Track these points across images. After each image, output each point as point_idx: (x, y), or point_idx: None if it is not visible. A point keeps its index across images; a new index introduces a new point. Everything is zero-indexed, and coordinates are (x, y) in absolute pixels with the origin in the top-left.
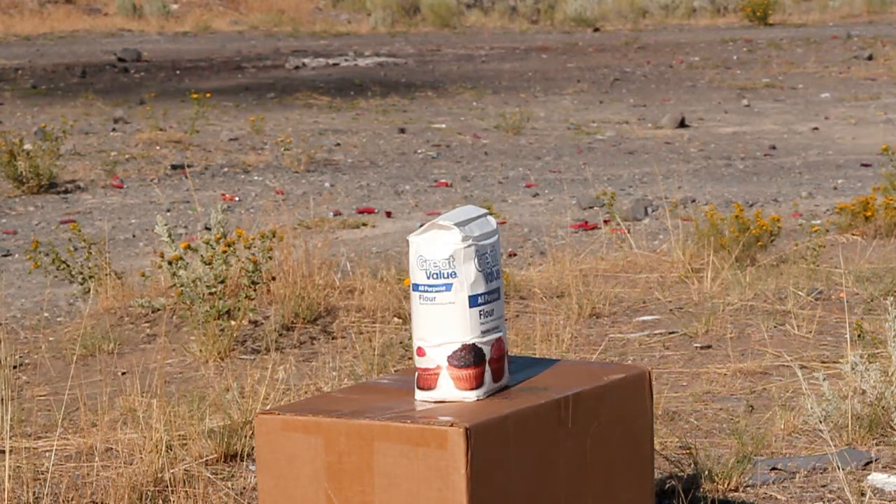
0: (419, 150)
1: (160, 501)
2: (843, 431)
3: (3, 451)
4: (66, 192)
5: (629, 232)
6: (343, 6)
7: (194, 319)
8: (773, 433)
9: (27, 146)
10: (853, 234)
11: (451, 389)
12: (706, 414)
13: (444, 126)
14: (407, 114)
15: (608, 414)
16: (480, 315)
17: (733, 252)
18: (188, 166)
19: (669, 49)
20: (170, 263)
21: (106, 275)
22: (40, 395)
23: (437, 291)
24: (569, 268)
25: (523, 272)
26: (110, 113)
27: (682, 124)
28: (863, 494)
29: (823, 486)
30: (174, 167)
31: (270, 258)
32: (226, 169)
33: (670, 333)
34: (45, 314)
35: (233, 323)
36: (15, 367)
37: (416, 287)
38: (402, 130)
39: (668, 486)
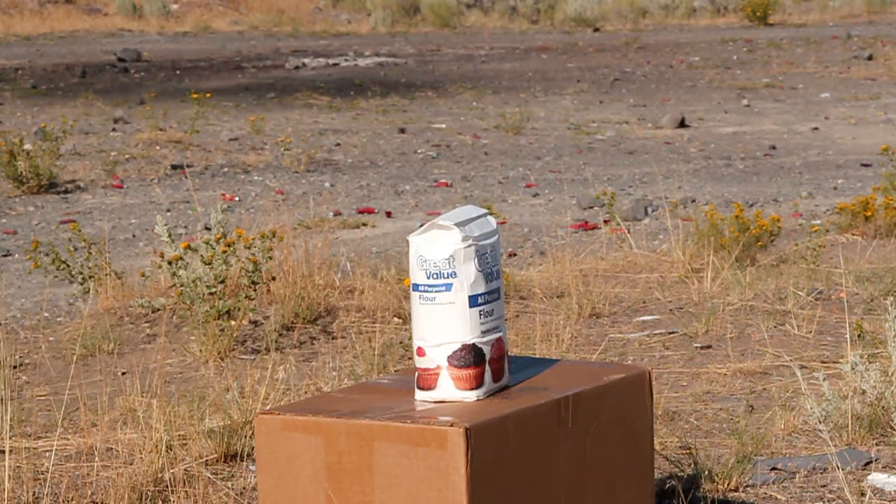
0: (419, 150)
1: (160, 501)
2: (843, 431)
3: (3, 451)
4: (66, 192)
5: (629, 232)
6: (343, 6)
7: (194, 319)
8: (773, 433)
9: (27, 146)
10: (853, 234)
11: (451, 389)
12: (706, 414)
13: (444, 126)
14: (407, 114)
15: (608, 414)
16: (480, 315)
17: (733, 252)
18: (188, 166)
19: (669, 49)
20: (170, 263)
21: (106, 275)
22: (40, 395)
23: (437, 291)
24: (569, 268)
25: (523, 272)
26: (110, 113)
27: (682, 124)
28: (863, 494)
29: (823, 486)
30: (174, 167)
31: (270, 258)
32: (226, 169)
33: (670, 333)
34: (45, 314)
35: (233, 323)
36: (15, 367)
37: (416, 287)
38: (402, 130)
39: (668, 486)
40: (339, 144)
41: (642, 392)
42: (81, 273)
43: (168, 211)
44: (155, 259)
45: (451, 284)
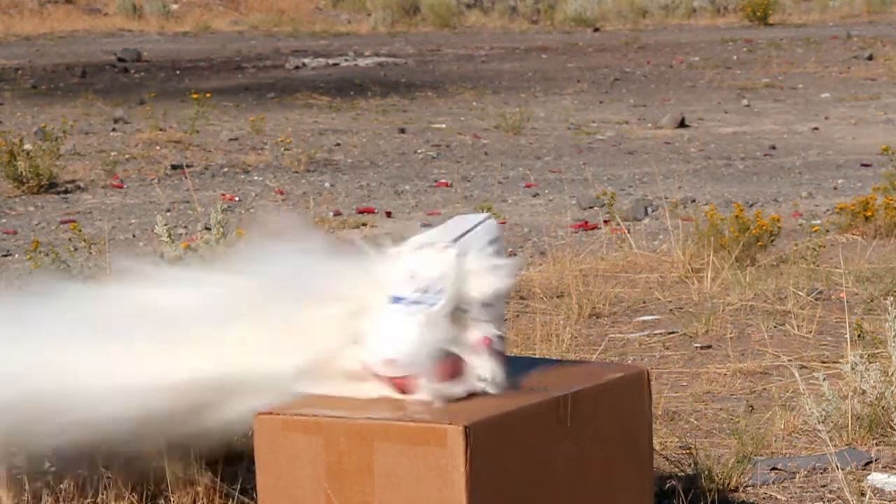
0: (419, 150)
1: (160, 501)
2: (843, 431)
3: None
4: (66, 192)
5: (629, 232)
6: (343, 6)
7: None
8: (773, 433)
9: (27, 146)
10: (853, 234)
11: (432, 387)
12: (706, 414)
13: (444, 126)
14: (407, 114)
15: (607, 413)
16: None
17: (733, 252)
18: (188, 166)
19: (669, 49)
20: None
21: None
22: None
23: (423, 304)
24: (569, 268)
25: (523, 272)
26: (110, 113)
27: (682, 124)
28: (863, 494)
29: (823, 486)
30: (174, 167)
31: None
32: (226, 169)
33: (670, 333)
34: None
35: None
36: None
37: (397, 300)
38: (402, 130)
39: (668, 486)
40: (339, 144)
41: (641, 391)
42: (81, 273)
43: (168, 211)
44: (155, 259)
45: (438, 301)
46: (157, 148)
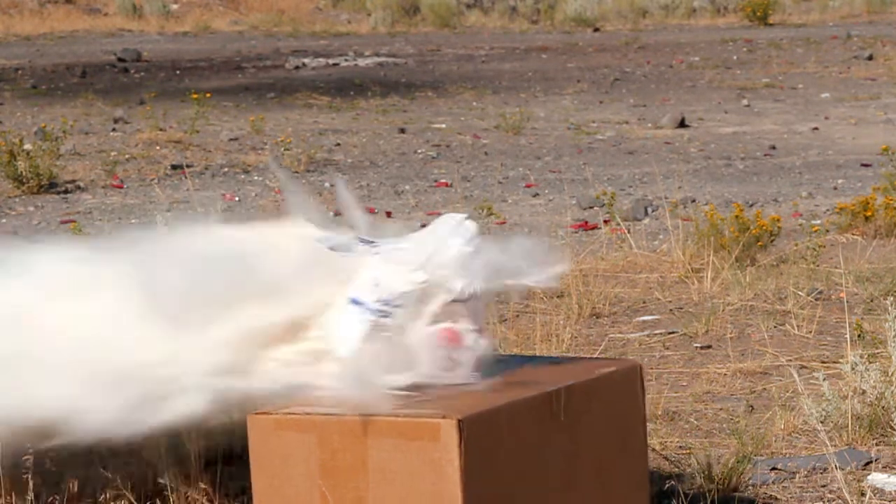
0: (419, 150)
1: (159, 501)
2: (843, 431)
3: None
4: (66, 192)
5: (629, 232)
6: (343, 6)
7: None
8: (772, 433)
9: (27, 146)
10: (853, 234)
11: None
12: (706, 414)
13: (444, 126)
14: (407, 114)
15: (600, 407)
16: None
17: (733, 252)
18: (188, 166)
19: (669, 49)
20: None
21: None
22: None
23: (379, 314)
24: (569, 268)
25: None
26: (110, 113)
27: (682, 124)
28: (863, 494)
29: (823, 486)
30: (174, 167)
31: None
32: (226, 169)
33: (670, 333)
34: None
35: None
36: None
37: (356, 302)
38: (402, 130)
39: (667, 486)
40: (339, 144)
41: (634, 385)
42: None
43: (168, 211)
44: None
45: (395, 314)
46: (157, 148)
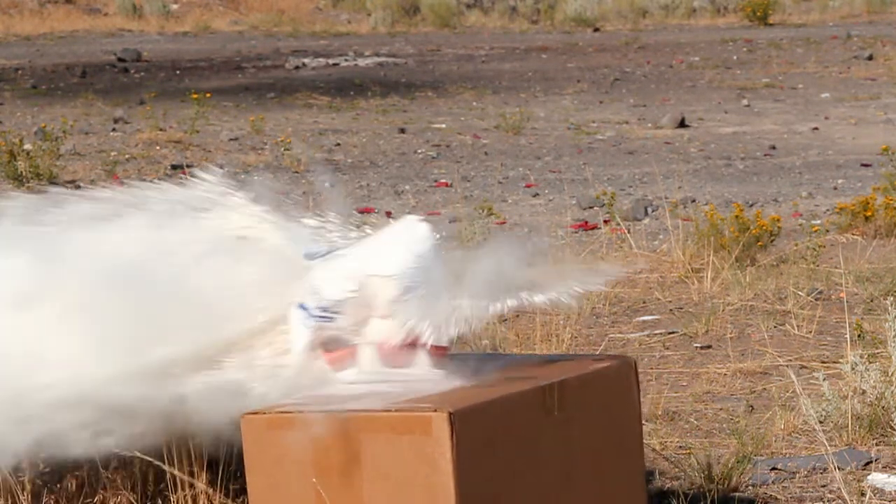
0: (419, 150)
1: (159, 501)
2: (842, 431)
3: None
4: None
5: (629, 232)
6: (343, 6)
7: None
8: (772, 433)
9: (27, 146)
10: (853, 234)
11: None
12: (706, 414)
13: (444, 126)
14: (407, 114)
15: (594, 402)
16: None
17: (733, 252)
18: (188, 166)
19: (669, 49)
20: None
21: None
22: None
23: (319, 319)
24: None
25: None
26: (110, 113)
27: (682, 124)
28: (863, 494)
29: (823, 486)
30: (174, 167)
31: None
32: (226, 169)
33: (670, 333)
34: None
35: None
36: None
37: (302, 307)
38: (402, 130)
39: (667, 486)
40: (339, 144)
41: (628, 381)
42: None
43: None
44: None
45: (334, 319)
46: (157, 148)
